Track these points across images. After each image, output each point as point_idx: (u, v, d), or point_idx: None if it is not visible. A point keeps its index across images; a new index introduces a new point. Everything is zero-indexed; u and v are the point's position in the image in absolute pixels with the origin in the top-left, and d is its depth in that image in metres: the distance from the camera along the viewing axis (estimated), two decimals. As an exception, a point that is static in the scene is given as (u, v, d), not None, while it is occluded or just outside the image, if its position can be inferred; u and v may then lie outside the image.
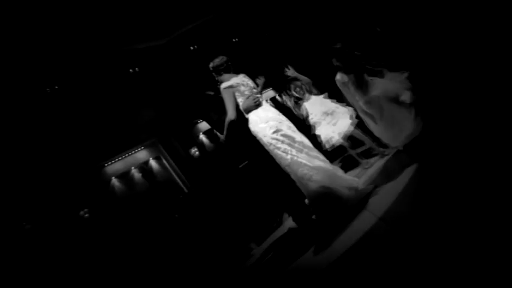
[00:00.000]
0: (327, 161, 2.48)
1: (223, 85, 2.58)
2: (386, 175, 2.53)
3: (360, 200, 2.26)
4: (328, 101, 3.29)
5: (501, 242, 1.10)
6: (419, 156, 2.40)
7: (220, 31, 5.36)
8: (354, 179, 2.47)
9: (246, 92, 2.57)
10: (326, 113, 3.21)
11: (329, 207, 2.26)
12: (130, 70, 4.78)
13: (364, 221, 2.00)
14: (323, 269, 1.86)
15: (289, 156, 2.34)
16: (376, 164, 2.97)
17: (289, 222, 3.18)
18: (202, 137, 5.20)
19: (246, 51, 5.59)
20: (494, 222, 1.22)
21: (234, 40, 5.59)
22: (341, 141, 3.08)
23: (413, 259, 1.32)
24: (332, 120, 3.18)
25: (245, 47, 5.65)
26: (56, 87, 4.13)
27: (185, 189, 4.73)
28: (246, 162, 4.14)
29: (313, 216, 2.64)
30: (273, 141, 2.39)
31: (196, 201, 4.51)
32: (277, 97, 6.18)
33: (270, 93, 6.18)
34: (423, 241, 1.38)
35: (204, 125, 5.21)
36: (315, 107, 3.28)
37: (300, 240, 2.61)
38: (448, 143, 2.23)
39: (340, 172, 2.46)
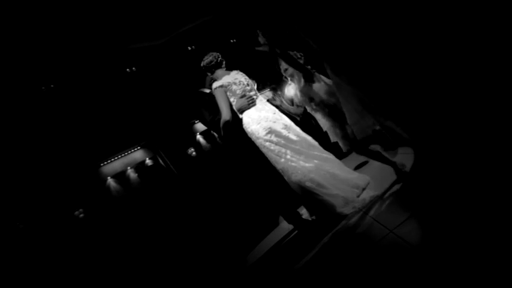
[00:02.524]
0: (332, 159, 2.34)
1: (214, 85, 2.53)
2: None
3: (359, 209, 2.11)
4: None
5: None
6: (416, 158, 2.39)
7: (218, 32, 5.34)
8: (360, 178, 2.32)
9: (238, 92, 2.49)
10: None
11: (324, 213, 2.21)
12: (128, 69, 4.75)
13: (361, 223, 1.99)
14: (320, 270, 1.85)
15: (283, 160, 2.25)
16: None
17: (285, 224, 3.16)
18: (199, 137, 5.18)
19: (244, 52, 5.58)
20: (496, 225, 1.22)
21: (231, 41, 5.58)
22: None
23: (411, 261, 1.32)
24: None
25: (243, 48, 5.64)
26: (52, 85, 4.09)
27: (182, 190, 4.70)
28: (240, 165, 4.03)
29: (310, 218, 2.62)
30: (266, 144, 2.30)
31: (192, 201, 4.49)
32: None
33: (268, 93, 6.17)
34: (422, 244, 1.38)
35: (201, 125, 5.18)
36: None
37: (296, 241, 2.60)
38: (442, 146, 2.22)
39: (344, 172, 2.32)
